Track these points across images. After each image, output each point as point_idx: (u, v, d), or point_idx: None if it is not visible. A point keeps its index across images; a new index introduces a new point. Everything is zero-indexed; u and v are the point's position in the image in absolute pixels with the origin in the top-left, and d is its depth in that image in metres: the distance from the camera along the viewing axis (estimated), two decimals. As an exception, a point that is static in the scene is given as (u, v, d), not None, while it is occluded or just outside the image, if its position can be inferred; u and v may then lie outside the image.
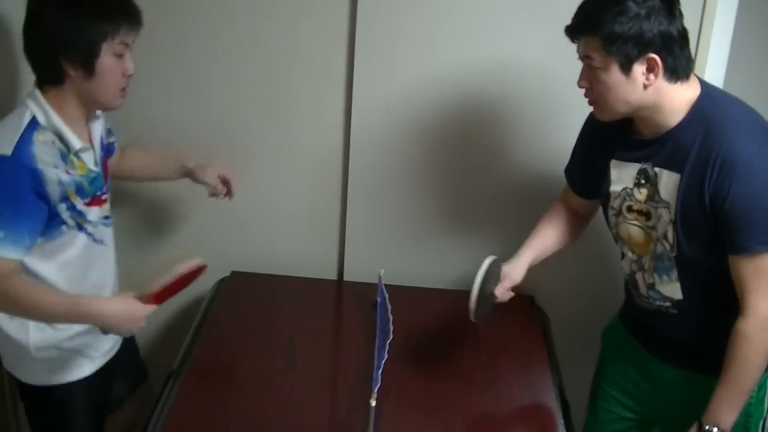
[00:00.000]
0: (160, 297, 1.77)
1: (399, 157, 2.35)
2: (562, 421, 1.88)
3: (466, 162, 2.34)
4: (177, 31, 2.31)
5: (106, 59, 1.70)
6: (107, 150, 1.96)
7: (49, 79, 1.72)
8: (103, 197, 1.86)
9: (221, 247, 2.48)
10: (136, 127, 2.25)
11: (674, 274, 1.74)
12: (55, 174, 1.69)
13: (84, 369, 1.90)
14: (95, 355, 1.93)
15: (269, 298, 2.35)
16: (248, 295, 2.35)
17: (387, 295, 2.24)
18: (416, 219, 2.41)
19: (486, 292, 1.85)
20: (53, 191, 1.69)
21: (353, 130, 2.33)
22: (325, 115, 2.34)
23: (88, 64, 1.69)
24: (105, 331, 1.74)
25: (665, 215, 1.70)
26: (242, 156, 2.40)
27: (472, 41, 2.22)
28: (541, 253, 1.95)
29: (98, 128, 1.86)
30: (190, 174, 2.15)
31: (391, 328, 2.11)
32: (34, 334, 1.82)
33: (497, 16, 2.20)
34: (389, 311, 2.19)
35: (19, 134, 1.67)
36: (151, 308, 1.75)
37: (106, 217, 1.89)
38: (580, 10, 1.66)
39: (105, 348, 1.95)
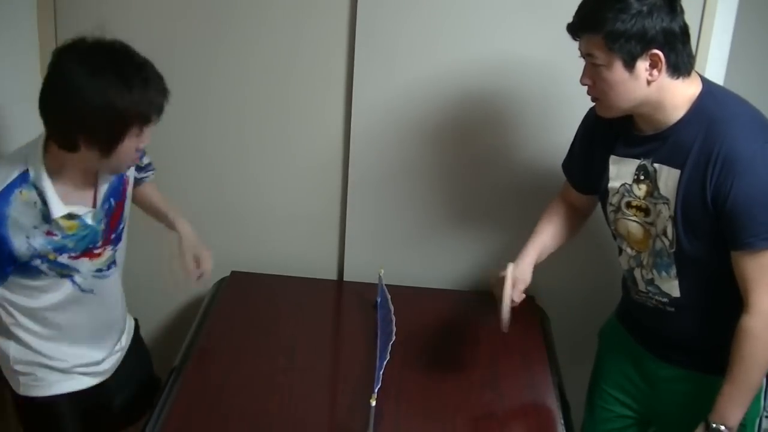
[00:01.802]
0: None
1: (399, 157, 2.35)
2: (562, 421, 1.88)
3: (466, 161, 2.34)
4: (177, 32, 2.31)
5: (126, 143, 1.62)
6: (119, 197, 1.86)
7: (58, 143, 1.63)
8: (96, 251, 1.78)
9: (221, 247, 2.47)
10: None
11: (673, 271, 1.74)
12: (25, 236, 1.65)
13: (66, 384, 1.86)
14: (78, 373, 1.88)
15: (269, 298, 2.35)
16: (248, 295, 2.35)
17: (389, 296, 2.24)
18: (416, 219, 2.41)
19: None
20: (22, 254, 1.66)
21: (353, 130, 2.33)
22: (325, 115, 2.34)
23: (108, 147, 1.61)
24: None
25: (665, 211, 1.70)
26: (242, 156, 2.40)
27: (472, 40, 2.22)
28: (544, 251, 1.95)
29: (107, 182, 1.78)
30: (177, 235, 2.07)
31: (394, 329, 2.11)
32: (14, 346, 1.81)
33: (497, 14, 2.20)
34: (392, 312, 2.19)
35: (1, 187, 1.62)
36: None
37: (99, 270, 1.81)
38: (582, 7, 1.66)
39: (97, 368, 1.91)
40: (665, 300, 1.79)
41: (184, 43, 2.31)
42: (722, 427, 1.67)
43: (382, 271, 2.25)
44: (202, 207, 2.42)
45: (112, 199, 1.81)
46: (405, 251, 2.44)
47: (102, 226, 1.78)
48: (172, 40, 2.30)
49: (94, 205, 1.76)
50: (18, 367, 1.83)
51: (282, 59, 2.30)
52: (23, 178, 1.64)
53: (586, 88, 1.71)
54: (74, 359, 1.86)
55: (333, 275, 2.50)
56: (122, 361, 1.98)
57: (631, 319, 1.97)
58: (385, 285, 2.25)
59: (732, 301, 1.66)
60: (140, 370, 2.10)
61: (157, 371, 2.14)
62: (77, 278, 1.77)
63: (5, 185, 1.62)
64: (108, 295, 1.88)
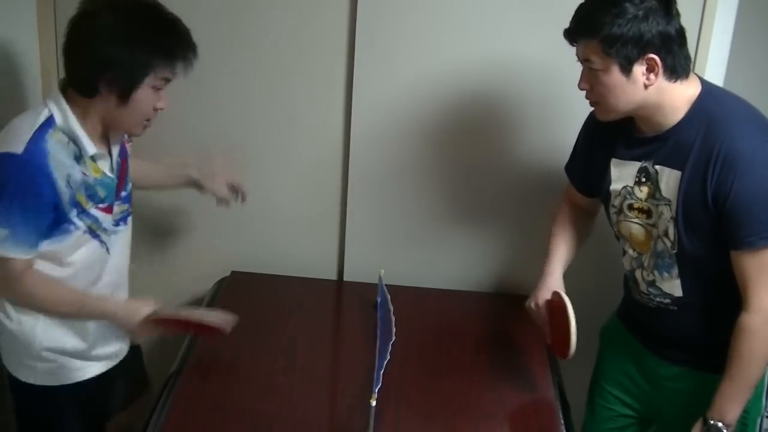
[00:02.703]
0: (166, 323, 1.84)
1: (399, 157, 2.35)
2: (562, 421, 1.88)
3: (466, 162, 2.34)
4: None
5: (143, 91, 1.67)
6: (125, 155, 1.91)
7: (78, 88, 1.68)
8: (113, 205, 1.82)
9: (221, 247, 2.48)
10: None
11: (674, 272, 1.74)
12: (66, 173, 1.67)
13: (85, 371, 1.88)
14: (98, 358, 1.91)
15: (269, 298, 2.35)
16: (248, 295, 2.35)
17: (389, 296, 2.24)
18: (416, 219, 2.41)
19: None
20: (63, 192, 1.67)
21: (353, 130, 2.33)
22: (325, 115, 2.34)
23: (125, 91, 1.66)
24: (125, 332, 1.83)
25: (666, 212, 1.70)
26: (242, 156, 2.40)
27: (472, 41, 2.22)
28: (567, 263, 1.97)
29: (117, 143, 1.83)
30: (195, 184, 2.13)
31: (394, 329, 2.11)
32: (41, 333, 1.80)
33: (497, 15, 2.20)
34: (391, 312, 2.19)
35: (32, 132, 1.64)
36: (151, 327, 1.82)
37: (116, 225, 1.85)
38: (578, 13, 1.66)
39: (108, 352, 1.93)
40: (667, 300, 1.79)
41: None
42: (720, 424, 1.67)
43: (382, 271, 2.25)
44: (203, 207, 2.42)
45: (119, 157, 1.84)
46: (405, 251, 2.44)
47: (117, 180, 1.82)
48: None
49: (110, 154, 1.80)
50: (44, 354, 1.81)
51: (282, 59, 2.30)
52: (50, 122, 1.67)
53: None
54: (96, 338, 1.86)
55: (333, 275, 2.50)
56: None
57: (632, 318, 1.97)
58: (385, 285, 2.25)
59: (733, 300, 1.67)
60: (135, 362, 2.11)
61: (157, 371, 2.13)
62: (102, 235, 1.80)
63: (36, 127, 1.65)
64: (120, 256, 1.91)
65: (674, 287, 1.77)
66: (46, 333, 1.81)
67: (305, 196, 2.43)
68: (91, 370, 1.89)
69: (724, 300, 1.70)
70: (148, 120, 1.75)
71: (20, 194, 1.63)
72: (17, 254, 1.65)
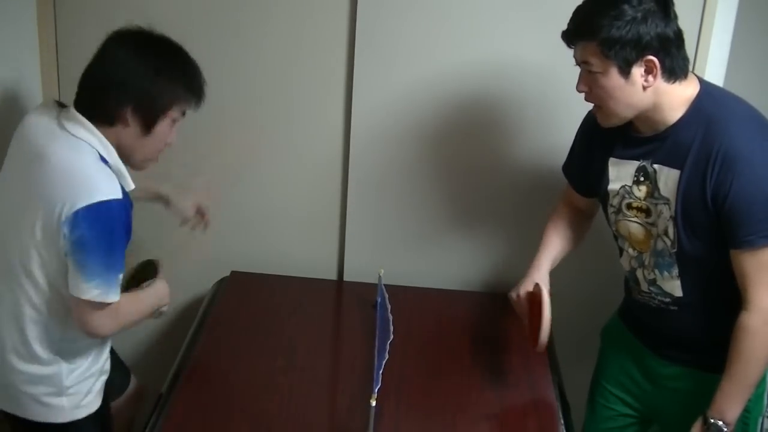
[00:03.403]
0: None
1: (399, 157, 2.35)
2: (562, 421, 1.89)
3: (465, 162, 2.34)
4: (177, 33, 2.30)
5: (165, 123, 1.70)
6: None
7: (101, 116, 1.67)
8: None
9: (221, 247, 2.48)
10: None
11: (675, 271, 1.74)
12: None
13: (98, 398, 1.84)
14: (102, 381, 1.87)
15: (269, 298, 2.35)
16: (248, 295, 2.35)
17: (387, 295, 2.24)
18: (416, 219, 2.41)
19: None
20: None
21: (353, 130, 2.33)
22: (325, 116, 2.34)
23: (150, 121, 1.68)
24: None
25: (665, 212, 1.70)
26: (242, 156, 2.40)
27: (472, 42, 2.22)
28: (557, 259, 1.97)
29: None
30: (163, 201, 2.11)
31: (392, 328, 2.11)
32: (66, 370, 1.75)
33: (497, 16, 2.20)
34: (389, 311, 2.19)
35: (104, 170, 1.63)
36: None
37: None
38: (576, 15, 1.66)
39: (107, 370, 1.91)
40: (668, 300, 1.79)
41: (184, 43, 2.30)
42: (720, 423, 1.68)
43: (382, 271, 2.25)
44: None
45: None
46: (405, 251, 2.44)
47: None
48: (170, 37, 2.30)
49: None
50: (71, 391, 1.76)
51: (282, 60, 2.30)
52: (102, 160, 1.66)
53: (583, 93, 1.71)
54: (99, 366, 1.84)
55: (333, 275, 2.50)
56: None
57: (632, 318, 1.97)
58: (385, 285, 2.25)
59: (733, 300, 1.67)
60: (115, 359, 2.08)
61: (157, 372, 2.13)
62: None
63: (100, 163, 1.64)
64: None
65: (675, 287, 1.77)
66: (70, 369, 1.76)
67: (305, 197, 2.43)
68: (99, 396, 1.85)
69: (724, 300, 1.70)
70: (158, 154, 1.77)
71: (122, 237, 1.66)
72: (116, 299, 1.67)
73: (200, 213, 2.16)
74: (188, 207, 2.13)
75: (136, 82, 1.65)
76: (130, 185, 1.71)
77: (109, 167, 1.66)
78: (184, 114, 1.74)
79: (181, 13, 2.28)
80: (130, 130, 1.68)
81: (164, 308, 1.89)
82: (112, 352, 2.08)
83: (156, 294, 1.86)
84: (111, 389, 1.96)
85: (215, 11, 2.27)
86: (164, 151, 1.77)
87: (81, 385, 1.78)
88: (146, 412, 1.88)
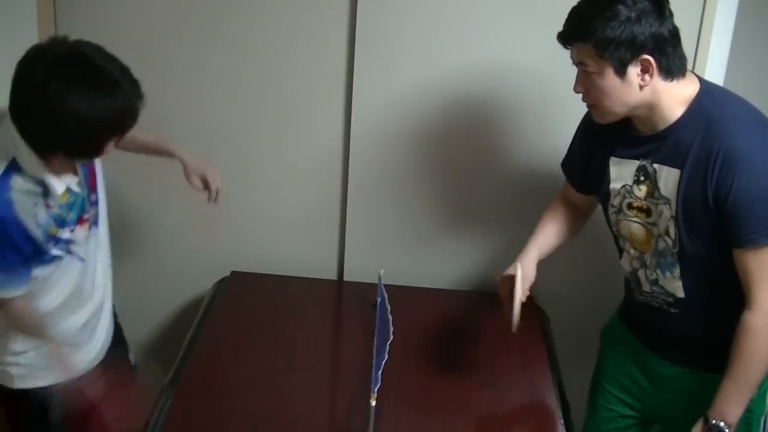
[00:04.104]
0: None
1: (399, 158, 2.35)
2: (561, 421, 1.88)
3: (465, 162, 2.34)
4: (177, 32, 2.31)
5: (109, 146, 1.65)
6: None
7: (34, 147, 1.61)
8: (86, 217, 1.79)
9: (221, 247, 2.48)
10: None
11: (677, 271, 1.74)
12: (34, 217, 1.64)
13: (52, 373, 1.85)
14: (78, 361, 1.88)
15: (269, 298, 2.35)
16: (248, 295, 2.35)
17: (387, 295, 2.24)
18: (416, 219, 2.41)
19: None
20: (37, 235, 1.66)
21: (353, 130, 2.33)
22: (325, 116, 2.34)
23: (86, 158, 1.71)
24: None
25: (666, 211, 1.70)
26: (242, 156, 2.40)
27: (472, 43, 2.22)
28: (546, 250, 1.95)
29: None
30: (177, 159, 2.07)
31: (391, 328, 2.11)
32: (13, 338, 1.80)
33: (496, 17, 2.20)
34: (389, 311, 2.19)
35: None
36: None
37: (90, 229, 1.81)
38: (571, 16, 1.66)
39: (87, 358, 1.91)
40: (670, 300, 1.79)
41: (184, 42, 2.31)
42: (722, 423, 1.67)
43: (382, 271, 2.25)
44: (203, 207, 2.42)
45: (84, 169, 1.81)
46: (405, 251, 2.44)
47: (86, 191, 1.79)
48: (171, 39, 2.30)
49: (76, 173, 1.75)
50: (17, 359, 1.81)
51: (282, 59, 2.30)
52: (12, 166, 1.63)
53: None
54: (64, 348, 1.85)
55: (333, 275, 2.50)
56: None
57: (633, 319, 1.97)
58: (385, 285, 2.25)
59: (736, 300, 1.66)
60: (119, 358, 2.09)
61: (157, 371, 2.13)
62: (80, 251, 1.78)
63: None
64: (97, 263, 1.88)
65: (676, 288, 1.76)
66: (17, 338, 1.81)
67: (305, 197, 2.43)
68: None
69: (726, 300, 1.70)
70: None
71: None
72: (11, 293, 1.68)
73: (206, 186, 2.07)
74: (197, 180, 2.05)
75: (63, 131, 1.56)
76: (57, 191, 1.66)
77: (26, 176, 1.63)
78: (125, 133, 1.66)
79: (181, 13, 2.28)
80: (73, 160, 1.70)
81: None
82: (124, 349, 2.10)
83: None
84: None
85: (215, 11, 2.27)
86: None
87: (30, 354, 1.81)
88: (146, 412, 1.88)
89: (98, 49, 1.59)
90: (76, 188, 1.74)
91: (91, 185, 1.83)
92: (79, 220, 1.77)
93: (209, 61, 2.32)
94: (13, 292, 1.68)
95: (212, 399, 1.87)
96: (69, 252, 1.77)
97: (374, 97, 2.29)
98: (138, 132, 1.91)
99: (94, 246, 1.86)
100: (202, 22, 2.29)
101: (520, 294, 1.81)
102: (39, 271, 1.72)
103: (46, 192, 1.66)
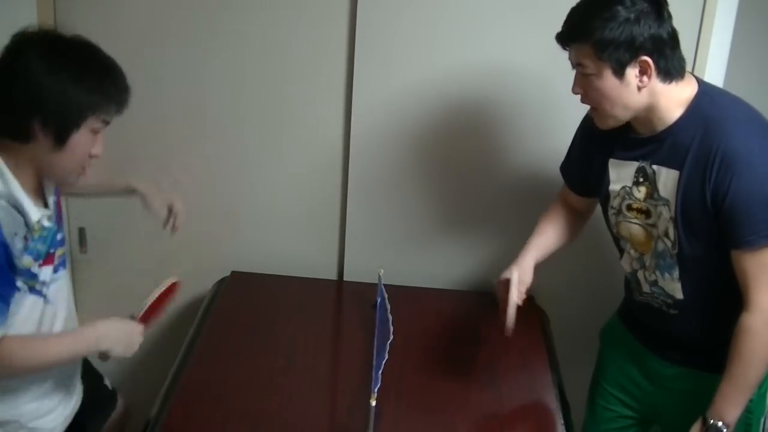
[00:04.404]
0: (145, 318, 1.77)
1: (399, 158, 2.35)
2: (561, 421, 1.88)
3: (465, 162, 2.34)
4: (176, 31, 2.31)
5: (82, 134, 1.56)
6: (57, 194, 1.78)
7: (11, 133, 1.54)
8: (54, 253, 1.68)
9: (221, 247, 2.48)
10: (131, 129, 2.23)
11: (676, 273, 1.74)
12: (16, 244, 1.54)
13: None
14: (57, 422, 1.80)
15: (269, 298, 2.35)
16: (248, 295, 2.35)
17: (387, 295, 2.24)
18: (416, 219, 2.41)
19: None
20: (18, 262, 1.55)
21: (353, 130, 2.33)
22: (325, 116, 2.34)
23: (62, 134, 1.54)
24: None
25: (665, 213, 1.70)
26: (242, 156, 2.40)
27: (472, 44, 2.23)
28: (544, 252, 1.96)
29: (50, 188, 1.71)
30: (138, 195, 2.03)
31: (391, 328, 2.11)
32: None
33: (496, 18, 2.20)
34: (389, 311, 2.19)
35: None
36: (141, 328, 1.73)
37: (55, 271, 1.70)
38: (570, 18, 1.66)
39: (65, 414, 1.83)
40: (669, 301, 1.79)
41: (183, 42, 2.31)
42: (720, 424, 1.67)
43: (382, 271, 2.25)
44: (202, 207, 2.42)
45: (54, 197, 1.73)
46: (405, 251, 2.44)
47: (55, 222, 1.70)
48: (171, 39, 2.30)
49: (46, 205, 1.68)
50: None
51: (282, 60, 2.30)
52: None
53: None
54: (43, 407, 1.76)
55: (333, 275, 2.50)
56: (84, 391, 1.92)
57: (633, 319, 1.97)
58: (385, 285, 2.25)
59: (735, 301, 1.66)
60: (95, 391, 2.04)
61: (157, 372, 2.13)
62: (43, 290, 1.67)
63: None
64: (63, 302, 1.77)
65: (676, 289, 1.77)
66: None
67: (305, 197, 2.43)
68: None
69: (726, 302, 1.70)
70: (83, 168, 1.63)
71: None
72: None
73: (171, 212, 2.05)
74: (160, 206, 2.03)
75: (40, 93, 1.51)
76: (31, 218, 1.58)
77: (2, 198, 1.54)
78: (107, 123, 1.60)
79: (181, 12, 2.28)
80: (43, 145, 1.55)
81: (113, 350, 1.67)
82: (96, 381, 2.05)
83: (85, 337, 1.65)
84: (92, 421, 1.96)
85: (215, 11, 2.27)
86: (97, 162, 1.65)
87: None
88: (146, 413, 1.88)
89: (88, 42, 1.60)
90: (47, 223, 1.65)
91: (58, 221, 1.74)
92: (47, 258, 1.67)
93: (209, 61, 2.32)
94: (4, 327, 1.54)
95: (212, 399, 1.87)
96: (30, 289, 1.64)
97: (374, 97, 2.29)
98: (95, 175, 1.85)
99: (61, 289, 1.75)
100: (202, 22, 2.29)
101: (514, 298, 1.81)
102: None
103: (26, 222, 1.58)
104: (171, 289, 1.86)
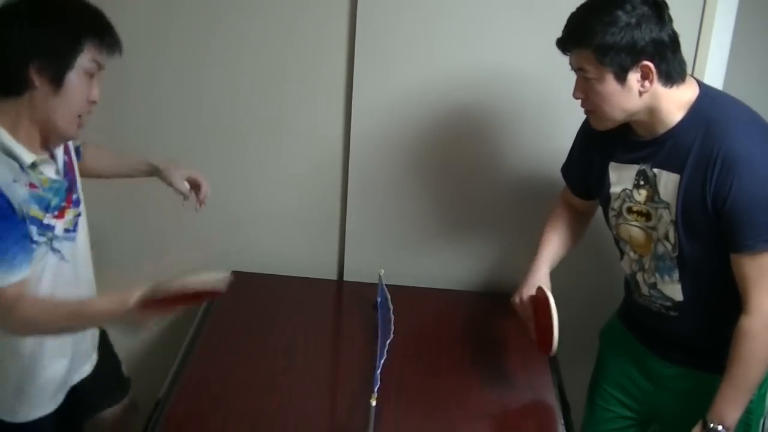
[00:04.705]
0: (162, 303, 1.54)
1: (399, 158, 2.35)
2: (561, 421, 1.88)
3: (465, 163, 2.34)
4: (175, 30, 2.31)
5: (76, 74, 1.58)
6: (76, 153, 1.82)
7: (7, 88, 1.57)
8: (65, 207, 1.70)
9: (221, 247, 2.48)
10: (130, 130, 2.24)
11: (675, 275, 1.74)
12: (13, 192, 1.55)
13: (49, 406, 1.81)
14: (60, 390, 1.84)
15: (269, 298, 2.35)
16: (248, 295, 2.35)
17: (388, 295, 2.24)
18: (416, 219, 2.41)
19: None
20: (20, 208, 1.56)
21: (353, 130, 2.33)
22: (325, 116, 2.34)
23: (58, 74, 1.56)
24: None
25: (666, 216, 1.70)
26: (242, 156, 2.40)
27: (472, 44, 2.23)
28: (555, 261, 1.96)
29: (58, 146, 1.72)
30: (157, 173, 2.01)
31: (392, 328, 2.11)
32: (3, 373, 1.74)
33: (496, 19, 2.20)
34: (390, 311, 2.19)
35: None
36: (150, 312, 1.54)
37: (67, 231, 1.72)
38: (570, 22, 1.66)
39: (71, 381, 1.88)
40: (668, 304, 1.79)
41: (183, 41, 2.31)
42: (720, 427, 1.67)
43: (382, 271, 2.25)
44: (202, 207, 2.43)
45: (65, 156, 1.74)
46: (405, 251, 2.44)
47: (66, 183, 1.71)
48: (171, 38, 2.30)
49: (52, 157, 1.69)
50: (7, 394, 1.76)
51: (282, 60, 2.30)
52: None
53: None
54: (51, 372, 1.80)
55: (333, 275, 2.50)
56: (95, 369, 1.96)
57: (632, 319, 1.97)
58: (385, 285, 2.25)
59: (735, 303, 1.66)
60: (110, 371, 2.09)
61: (157, 372, 2.13)
62: (56, 244, 1.68)
63: None
64: (79, 267, 1.79)
65: (675, 292, 1.77)
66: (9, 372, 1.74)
67: (305, 196, 2.43)
68: (53, 404, 1.83)
69: (726, 304, 1.69)
70: (80, 117, 1.64)
71: None
72: (8, 280, 1.53)
73: (195, 186, 2.02)
74: (181, 180, 2.00)
75: (25, 38, 1.54)
76: (24, 160, 1.58)
77: None
78: (99, 65, 1.61)
79: (181, 12, 2.28)
80: (40, 92, 1.57)
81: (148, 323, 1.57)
82: (112, 362, 2.09)
83: (112, 303, 1.56)
84: (101, 399, 1.99)
85: (214, 11, 2.27)
86: (93, 111, 1.65)
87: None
88: (146, 413, 1.88)
89: None
90: (55, 176, 1.68)
91: (70, 179, 1.75)
92: (59, 213, 1.68)
93: (209, 61, 2.32)
94: (18, 273, 1.54)
95: (212, 399, 1.88)
96: (51, 246, 1.67)
97: (374, 97, 2.29)
98: (102, 148, 1.93)
99: (77, 251, 1.77)
100: (202, 22, 2.29)
101: (557, 319, 1.79)
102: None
103: (22, 167, 1.59)
104: (207, 294, 1.63)
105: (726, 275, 1.67)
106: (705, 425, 1.68)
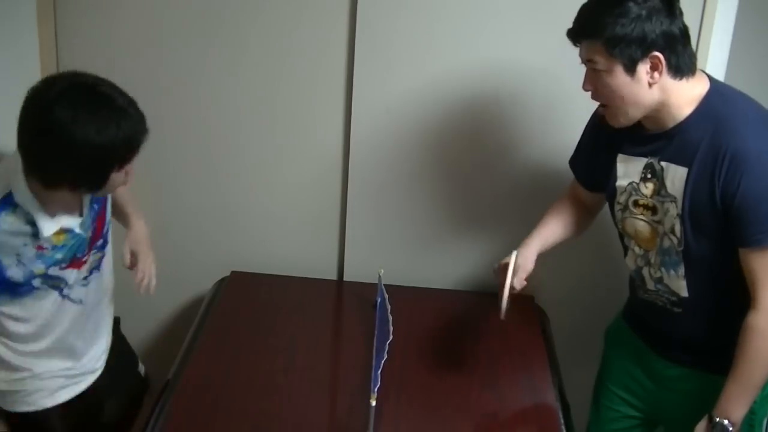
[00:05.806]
0: None
1: (399, 158, 2.35)
2: (562, 421, 1.88)
3: (465, 163, 2.34)
4: (176, 32, 2.31)
5: (113, 177, 1.62)
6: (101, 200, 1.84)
7: (41, 180, 1.59)
8: (83, 259, 1.76)
9: (221, 247, 2.48)
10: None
11: (681, 270, 1.74)
12: (16, 261, 1.63)
13: (59, 396, 1.86)
14: (71, 382, 1.88)
15: (269, 298, 2.35)
16: (248, 295, 2.35)
17: (387, 295, 2.24)
18: (416, 219, 2.41)
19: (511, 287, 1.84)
20: (16, 277, 1.64)
21: (353, 130, 2.33)
22: (325, 116, 2.34)
23: (94, 186, 1.63)
24: None
25: (672, 210, 1.70)
26: (242, 157, 2.40)
27: (473, 42, 2.22)
28: (549, 242, 1.94)
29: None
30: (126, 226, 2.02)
31: (391, 328, 2.11)
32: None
33: (498, 16, 2.20)
34: (389, 311, 2.19)
35: None
36: None
37: (85, 278, 1.79)
38: (581, 14, 1.66)
39: (83, 371, 1.91)
40: (674, 299, 1.79)
41: (183, 43, 2.31)
42: (726, 422, 1.67)
43: (382, 271, 2.25)
44: (203, 207, 2.43)
45: (96, 204, 1.79)
46: (405, 251, 2.44)
47: (89, 233, 1.76)
48: (171, 39, 2.30)
49: (81, 214, 1.73)
50: (3, 386, 1.81)
51: (282, 60, 2.30)
52: (6, 201, 1.61)
53: (588, 92, 1.71)
54: (58, 371, 1.84)
55: (333, 275, 2.50)
56: (107, 364, 1.97)
57: (637, 319, 1.97)
58: (385, 285, 2.25)
59: (740, 301, 1.66)
60: (126, 371, 2.10)
61: (158, 371, 2.14)
62: (65, 289, 1.76)
63: None
64: (92, 302, 1.86)
65: (680, 287, 1.76)
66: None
67: (305, 197, 2.43)
68: (64, 394, 1.87)
69: (730, 301, 1.70)
70: (122, 183, 1.69)
71: None
72: None
73: (134, 262, 1.95)
74: (126, 248, 1.96)
75: (71, 153, 1.54)
76: (44, 232, 1.63)
77: (19, 211, 1.61)
78: (131, 160, 1.64)
79: (181, 13, 2.28)
80: (78, 192, 1.65)
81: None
82: (129, 360, 2.11)
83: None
84: (116, 395, 2.01)
85: (214, 12, 2.27)
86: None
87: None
88: (146, 412, 1.88)
89: (103, 80, 1.60)
90: (77, 229, 1.71)
91: (97, 228, 1.80)
92: (74, 263, 1.74)
93: (209, 62, 2.32)
94: None
95: (212, 399, 1.87)
96: (56, 288, 1.73)
97: (374, 97, 2.29)
98: (126, 192, 1.93)
99: (86, 293, 1.82)
100: (202, 23, 2.29)
101: (509, 281, 1.81)
102: (11, 299, 1.69)
103: (36, 233, 1.63)
104: None
105: (731, 271, 1.67)
106: (711, 420, 1.68)
